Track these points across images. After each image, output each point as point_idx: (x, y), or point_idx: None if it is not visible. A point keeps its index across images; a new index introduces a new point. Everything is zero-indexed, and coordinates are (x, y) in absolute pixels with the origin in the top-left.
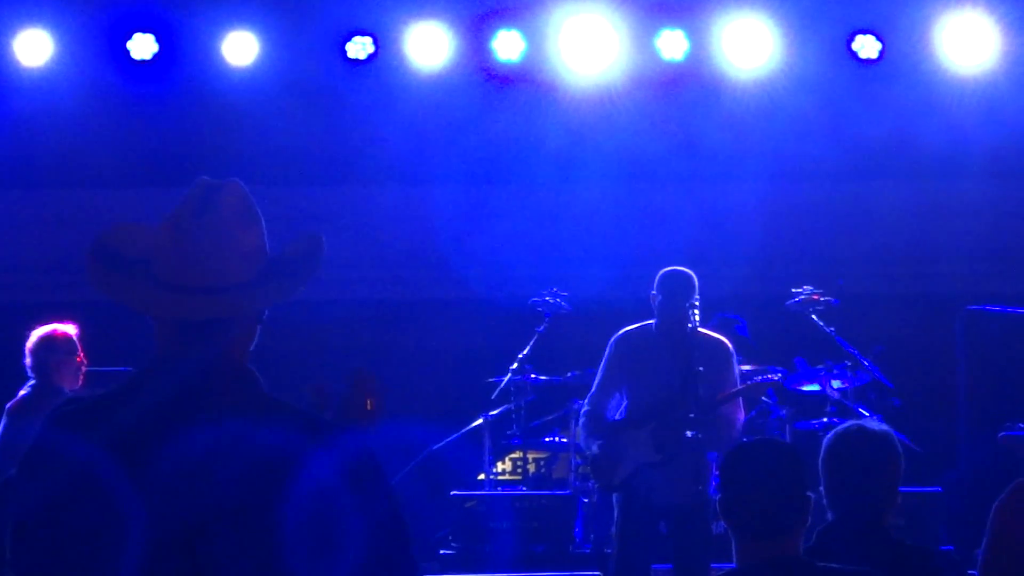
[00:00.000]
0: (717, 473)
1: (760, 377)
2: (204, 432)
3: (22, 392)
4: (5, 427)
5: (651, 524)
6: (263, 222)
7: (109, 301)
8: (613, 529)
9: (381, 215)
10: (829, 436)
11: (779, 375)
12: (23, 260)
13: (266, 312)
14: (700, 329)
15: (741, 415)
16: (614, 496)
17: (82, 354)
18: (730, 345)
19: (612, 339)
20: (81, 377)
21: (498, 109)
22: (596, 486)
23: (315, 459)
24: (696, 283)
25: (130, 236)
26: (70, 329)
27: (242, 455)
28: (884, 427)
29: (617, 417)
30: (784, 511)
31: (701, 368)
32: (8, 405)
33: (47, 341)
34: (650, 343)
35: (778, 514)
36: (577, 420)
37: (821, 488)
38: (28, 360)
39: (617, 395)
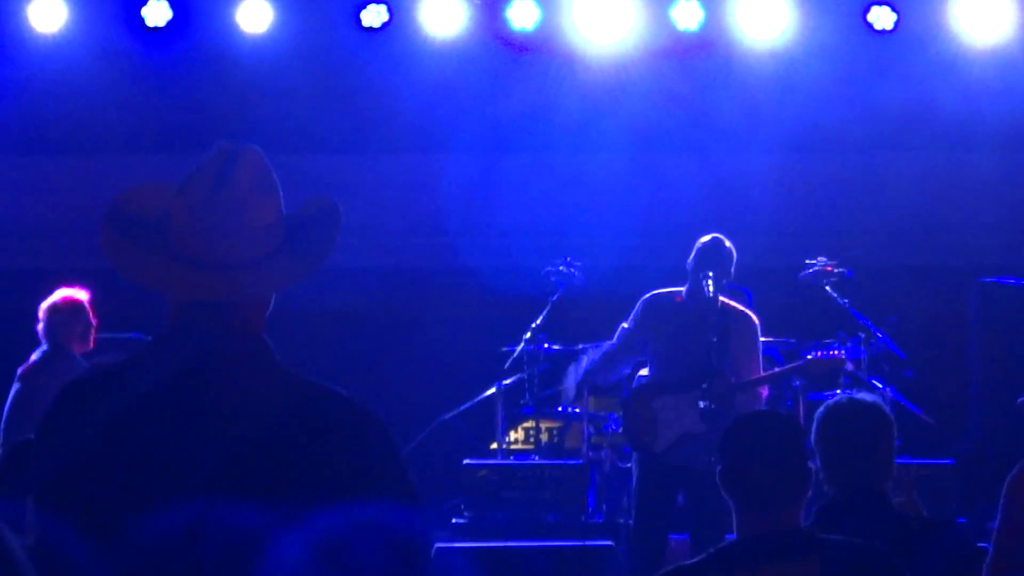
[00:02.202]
0: None
1: (821, 352)
2: (218, 401)
3: (34, 357)
4: (18, 391)
5: (670, 494)
6: (280, 191)
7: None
8: (630, 498)
9: (395, 183)
10: (820, 411)
11: (842, 352)
12: (36, 225)
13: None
14: (726, 301)
15: (766, 389)
16: (632, 465)
17: (94, 319)
18: (756, 319)
19: (642, 299)
20: (92, 341)
21: (513, 78)
22: (611, 455)
23: (325, 425)
24: (733, 255)
25: (146, 199)
26: (81, 295)
27: (254, 423)
28: (875, 397)
29: (647, 380)
30: (784, 482)
31: (714, 339)
32: (20, 370)
33: (59, 306)
34: (678, 308)
35: (778, 485)
36: (589, 389)
37: (818, 463)
38: (40, 325)
39: (638, 350)
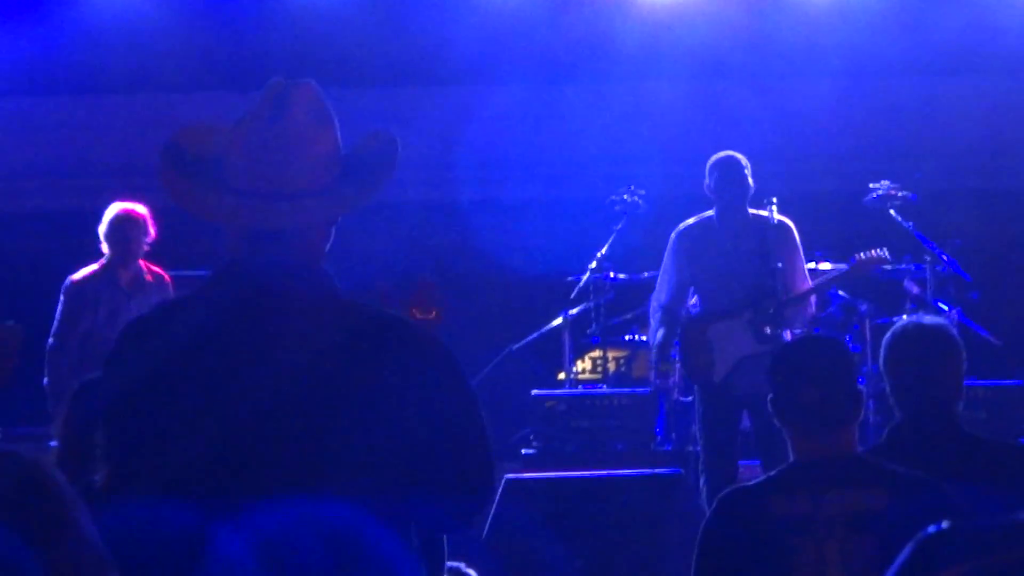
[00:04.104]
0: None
1: (864, 254)
2: (279, 329)
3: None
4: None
5: (734, 421)
6: (337, 124)
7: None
8: (696, 426)
9: (454, 115)
10: (887, 335)
11: (884, 250)
12: (97, 165)
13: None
14: (757, 212)
15: (814, 297)
16: (695, 396)
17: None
18: (793, 226)
19: (673, 234)
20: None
21: (570, 7)
22: (680, 384)
23: (388, 350)
24: (748, 166)
25: (203, 138)
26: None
27: (315, 349)
28: (941, 319)
29: (697, 312)
30: (835, 405)
31: (754, 258)
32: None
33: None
34: (713, 232)
35: (829, 408)
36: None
37: (887, 387)
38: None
39: (689, 290)
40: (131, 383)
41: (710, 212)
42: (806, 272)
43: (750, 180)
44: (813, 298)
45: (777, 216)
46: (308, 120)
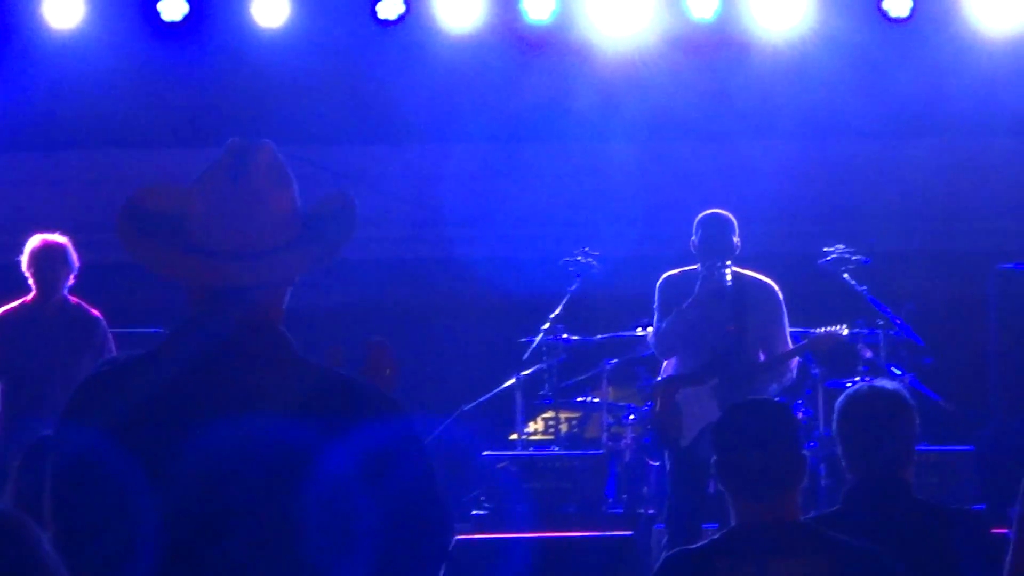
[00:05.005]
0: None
1: (824, 330)
2: (234, 388)
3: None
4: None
5: (700, 486)
6: (295, 184)
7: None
8: (650, 488)
9: (411, 174)
10: (840, 399)
11: (845, 327)
12: (54, 221)
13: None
14: (741, 272)
15: (795, 361)
16: (666, 455)
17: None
18: (778, 288)
19: (658, 283)
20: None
21: (528, 69)
22: (631, 445)
23: (344, 411)
24: (735, 225)
25: (162, 196)
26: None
27: (270, 410)
28: (895, 384)
29: (669, 373)
30: (778, 470)
31: (730, 326)
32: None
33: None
34: (692, 288)
35: (772, 473)
36: (609, 380)
37: (839, 451)
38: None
39: None
40: (83, 444)
41: (695, 267)
42: (788, 337)
43: (735, 240)
44: (794, 363)
45: (761, 278)
46: (267, 180)
